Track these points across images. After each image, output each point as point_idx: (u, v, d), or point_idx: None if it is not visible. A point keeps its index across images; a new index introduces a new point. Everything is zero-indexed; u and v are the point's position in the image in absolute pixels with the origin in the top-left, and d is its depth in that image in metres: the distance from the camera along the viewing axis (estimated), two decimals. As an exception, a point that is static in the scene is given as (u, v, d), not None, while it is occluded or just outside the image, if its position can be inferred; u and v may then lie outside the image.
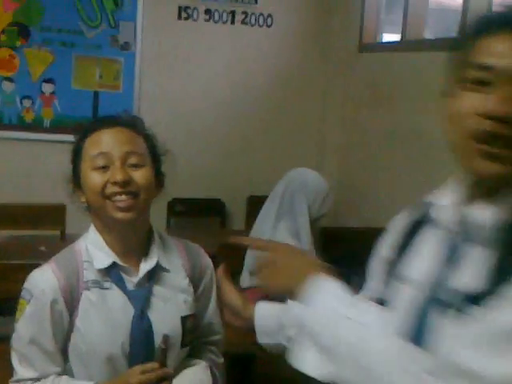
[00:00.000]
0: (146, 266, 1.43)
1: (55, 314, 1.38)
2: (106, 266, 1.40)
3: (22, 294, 1.41)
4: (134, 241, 1.44)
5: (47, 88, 4.26)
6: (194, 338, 1.51)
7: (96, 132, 1.42)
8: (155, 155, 1.48)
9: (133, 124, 1.47)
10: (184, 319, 1.45)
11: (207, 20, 4.50)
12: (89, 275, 1.40)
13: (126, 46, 4.36)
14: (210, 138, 4.53)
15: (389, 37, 4.42)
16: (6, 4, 4.14)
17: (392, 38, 4.27)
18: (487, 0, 3.11)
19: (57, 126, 4.28)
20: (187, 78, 4.50)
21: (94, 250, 1.42)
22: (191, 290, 1.50)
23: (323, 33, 4.62)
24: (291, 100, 4.65)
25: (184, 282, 1.49)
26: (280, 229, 2.60)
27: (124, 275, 1.41)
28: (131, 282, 1.41)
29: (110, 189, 1.37)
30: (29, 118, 4.26)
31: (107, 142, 1.40)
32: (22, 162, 4.25)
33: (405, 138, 3.66)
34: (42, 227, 3.66)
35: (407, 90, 3.65)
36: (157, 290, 1.44)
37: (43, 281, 1.39)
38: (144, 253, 1.45)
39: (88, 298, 1.38)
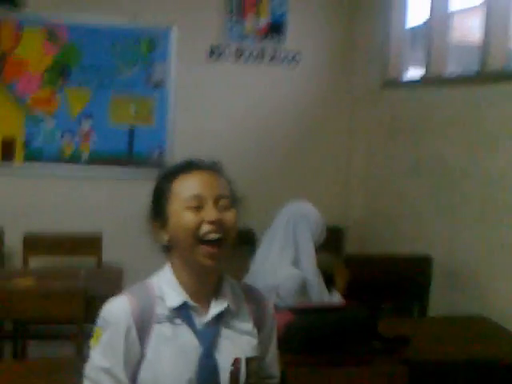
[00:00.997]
0: (216, 308, 1.48)
1: (128, 342, 1.41)
2: (177, 304, 1.44)
3: (98, 322, 1.45)
4: (207, 282, 1.49)
5: (85, 124, 4.48)
6: (257, 380, 1.51)
7: (185, 174, 1.47)
8: (235, 200, 1.53)
9: (216, 168, 1.52)
10: (248, 361, 1.47)
11: (237, 59, 4.68)
12: (160, 310, 1.44)
13: (159, 84, 4.57)
14: (240, 171, 4.65)
15: (412, 72, 4.55)
16: (47, 47, 4.40)
17: (415, 72, 4.40)
18: (505, 35, 3.24)
19: (94, 160, 4.49)
20: (217, 113, 4.68)
21: (167, 288, 1.47)
22: (255, 333, 1.54)
23: (348, 69, 4.79)
24: (318, 136, 4.81)
25: (249, 325, 1.53)
26: (284, 258, 2.75)
27: (194, 314, 1.46)
28: (200, 321, 1.46)
29: (205, 228, 1.41)
30: (68, 152, 4.48)
31: (199, 185, 1.45)
32: (63, 195, 4.45)
33: (427, 169, 3.77)
34: (79, 254, 3.83)
35: (429, 123, 3.77)
36: (224, 331, 1.48)
37: (119, 309, 1.43)
38: (214, 294, 1.49)
39: (160, 330, 1.42)
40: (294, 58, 4.74)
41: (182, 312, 1.45)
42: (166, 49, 4.55)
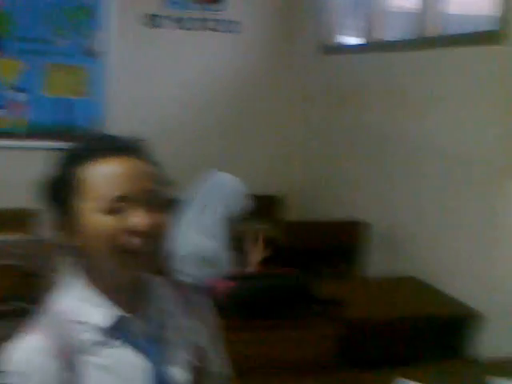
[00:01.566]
0: (151, 313, 1.18)
1: None
2: (109, 323, 1.12)
3: (7, 379, 1.07)
4: (133, 288, 1.17)
5: (20, 97, 4.36)
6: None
7: (102, 161, 1.09)
8: (166, 191, 1.19)
9: (143, 151, 1.15)
10: (195, 363, 1.26)
11: (177, 27, 4.63)
12: (86, 336, 1.10)
13: (97, 54, 4.48)
14: (180, 142, 4.66)
15: (353, 38, 4.59)
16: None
17: (356, 39, 4.43)
18: (441, 2, 3.29)
19: (31, 133, 4.39)
20: (157, 84, 4.62)
21: (86, 307, 1.12)
22: (197, 329, 1.29)
23: (288, 36, 4.79)
24: (257, 104, 4.81)
25: (189, 322, 1.27)
26: (194, 226, 2.77)
27: (130, 329, 1.14)
28: (139, 335, 1.15)
29: (128, 237, 1.08)
30: (3, 126, 4.37)
31: (124, 180, 1.09)
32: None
33: (365, 136, 3.83)
34: (17, 231, 3.75)
35: (369, 89, 3.82)
36: (168, 338, 1.20)
37: (33, 353, 1.08)
38: (144, 299, 1.19)
39: (93, 362, 1.10)
40: (234, 25, 4.71)
41: (115, 330, 1.12)
42: (103, 18, 4.45)
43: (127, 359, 1.13)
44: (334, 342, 2.30)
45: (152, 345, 1.16)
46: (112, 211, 1.07)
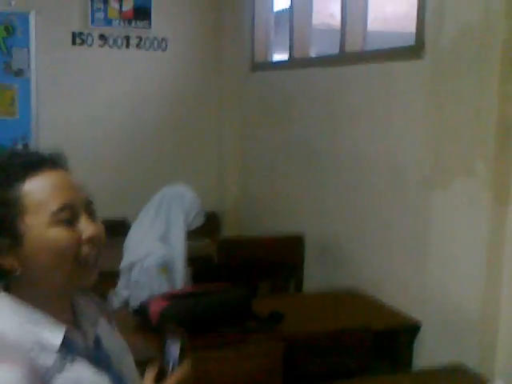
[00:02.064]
0: (90, 327, 1.17)
1: None
2: (61, 339, 1.07)
3: None
4: (68, 303, 1.16)
5: None
6: None
7: (39, 175, 1.07)
8: None
9: (63, 163, 1.14)
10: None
11: (102, 45, 4.55)
12: (47, 359, 1.04)
13: (19, 73, 4.35)
14: (110, 160, 4.57)
15: (280, 55, 4.65)
16: None
17: (283, 55, 4.50)
18: (362, 19, 3.39)
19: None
20: (83, 103, 4.53)
21: (35, 327, 1.06)
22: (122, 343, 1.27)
23: (217, 54, 4.79)
24: (189, 120, 4.78)
25: (117, 334, 1.26)
26: (151, 235, 2.74)
27: (75, 340, 1.11)
28: (82, 346, 1.12)
29: (85, 248, 1.07)
30: None
31: (66, 189, 1.08)
32: None
33: (296, 150, 3.87)
34: None
35: (297, 104, 3.86)
36: (109, 351, 1.19)
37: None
38: (75, 314, 1.17)
39: (62, 381, 1.05)
40: (161, 42, 4.68)
41: (68, 347, 1.08)
42: (25, 35, 4.32)
43: (88, 371, 1.09)
44: (275, 358, 2.28)
45: (103, 356, 1.15)
46: (60, 222, 1.05)
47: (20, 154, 1.12)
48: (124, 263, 2.81)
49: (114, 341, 1.23)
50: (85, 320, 1.17)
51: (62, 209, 1.06)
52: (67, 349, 1.07)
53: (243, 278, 3.10)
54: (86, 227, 1.07)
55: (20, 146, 4.35)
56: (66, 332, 1.08)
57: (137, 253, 2.76)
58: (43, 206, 1.05)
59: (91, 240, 1.07)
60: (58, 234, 1.05)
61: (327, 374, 2.39)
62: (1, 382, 0.99)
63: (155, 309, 2.50)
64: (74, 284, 1.10)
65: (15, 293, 1.08)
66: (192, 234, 2.87)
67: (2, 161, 1.10)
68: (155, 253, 2.72)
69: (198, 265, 3.02)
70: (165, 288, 2.68)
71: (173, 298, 2.54)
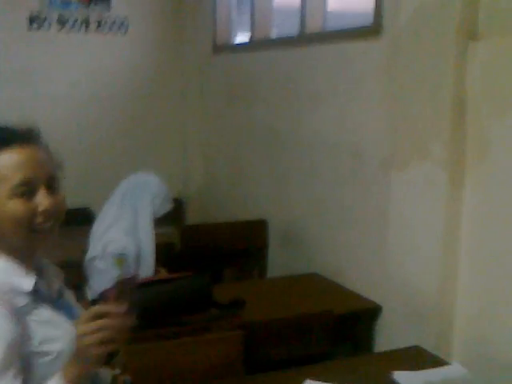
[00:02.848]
0: (54, 281, 1.37)
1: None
2: (32, 286, 1.26)
3: None
4: (32, 260, 1.33)
5: None
6: None
7: (6, 150, 1.24)
8: (59, 173, 1.34)
9: (38, 138, 1.32)
10: None
11: (61, 27, 4.44)
12: (19, 301, 1.23)
13: (-24, 57, 4.23)
14: (73, 147, 4.47)
15: (242, 37, 4.58)
16: None
17: (245, 37, 4.43)
18: (322, 1, 3.34)
19: None
20: (43, 87, 4.42)
21: (10, 275, 1.25)
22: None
23: (178, 36, 4.71)
24: (151, 103, 4.71)
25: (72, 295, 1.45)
26: (116, 227, 2.70)
27: (41, 287, 1.30)
28: (47, 295, 1.31)
29: (39, 218, 1.23)
30: None
31: (28, 165, 1.24)
32: None
33: (259, 134, 3.83)
34: None
35: (258, 87, 3.82)
36: (66, 298, 1.39)
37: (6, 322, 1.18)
38: (40, 267, 1.35)
39: (34, 321, 1.24)
40: (121, 24, 4.58)
41: (38, 293, 1.27)
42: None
43: (56, 316, 1.29)
44: (235, 345, 2.26)
45: (67, 308, 1.34)
46: (18, 195, 1.22)
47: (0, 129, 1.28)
48: (88, 256, 2.75)
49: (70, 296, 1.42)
50: (48, 275, 1.35)
51: (20, 184, 1.22)
52: (36, 294, 1.26)
53: (207, 265, 3.08)
54: (43, 200, 1.23)
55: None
56: (36, 280, 1.27)
57: (99, 244, 2.70)
58: (5, 180, 1.22)
59: (46, 212, 1.23)
60: (15, 205, 1.21)
61: (289, 360, 2.38)
62: None
63: (113, 299, 2.46)
64: (32, 246, 1.27)
65: None
66: (156, 222, 2.83)
67: None
68: (114, 243, 2.67)
69: (160, 252, 2.98)
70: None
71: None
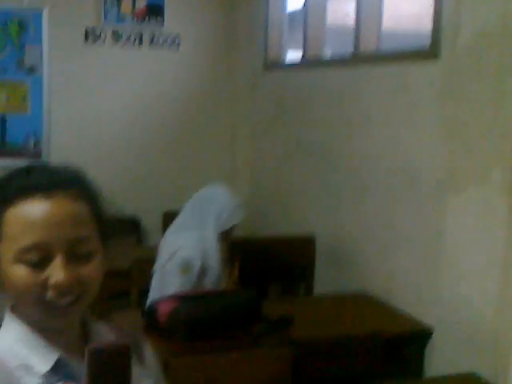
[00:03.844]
0: None
1: None
2: (51, 366, 1.02)
3: None
4: (70, 331, 1.08)
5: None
6: None
7: (23, 202, 0.98)
8: (101, 222, 1.07)
9: (75, 183, 1.03)
10: None
11: (114, 43, 4.54)
12: (31, 382, 1.01)
13: (32, 69, 4.34)
14: (122, 158, 4.56)
15: (293, 55, 4.61)
16: None
17: (296, 55, 4.46)
18: (377, 19, 3.34)
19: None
20: (96, 100, 4.51)
21: (27, 349, 1.03)
22: (145, 374, 1.16)
23: (230, 53, 4.76)
24: (202, 120, 4.75)
25: (135, 368, 1.08)
26: (185, 236, 2.73)
27: (74, 370, 1.04)
28: (80, 375, 1.02)
29: (50, 293, 0.97)
30: None
31: (43, 225, 0.97)
32: None
33: (310, 151, 3.83)
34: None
35: (311, 105, 3.83)
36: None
37: None
38: (84, 341, 1.09)
39: None
40: (174, 41, 4.65)
41: (58, 373, 1.03)
42: (38, 32, 4.31)
43: None
44: (284, 362, 2.25)
45: None
46: (25, 262, 0.96)
47: (20, 174, 1.04)
48: (158, 263, 2.79)
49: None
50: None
51: (29, 248, 0.96)
52: (57, 373, 1.02)
53: (253, 280, 3.08)
54: (55, 273, 0.96)
55: (31, 143, 4.35)
56: (59, 359, 1.03)
57: (167, 252, 2.73)
58: (14, 239, 0.97)
59: (58, 287, 0.96)
60: (20, 272, 0.96)
61: (336, 380, 2.36)
62: None
63: (164, 310, 2.49)
64: (49, 322, 1.01)
65: (15, 311, 1.05)
66: (224, 234, 2.83)
67: (5, 178, 1.04)
68: (181, 251, 2.69)
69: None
70: (184, 288, 2.66)
71: (182, 299, 2.52)
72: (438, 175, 2.62)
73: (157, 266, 2.77)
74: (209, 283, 2.74)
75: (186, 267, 2.68)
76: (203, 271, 2.72)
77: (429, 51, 2.72)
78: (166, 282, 2.68)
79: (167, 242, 2.79)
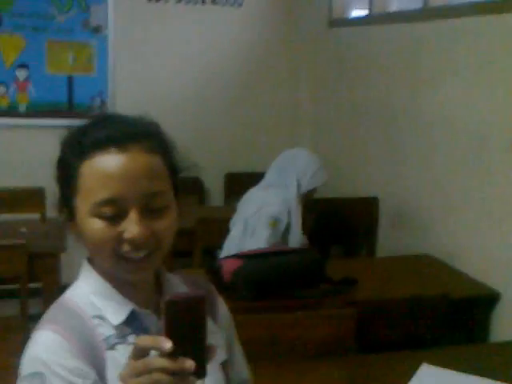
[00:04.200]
0: None
1: None
2: (124, 318, 1.05)
3: (27, 379, 0.98)
4: (144, 284, 1.10)
5: (21, 74, 4.28)
6: None
7: (99, 155, 0.99)
8: (175, 176, 1.08)
9: (150, 137, 1.03)
10: (223, 365, 1.16)
11: (178, 1, 4.53)
12: (105, 331, 1.04)
13: (97, 29, 4.39)
14: (184, 117, 4.59)
15: (358, 11, 4.49)
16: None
17: (361, 12, 4.34)
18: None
19: (32, 111, 4.31)
20: (159, 59, 4.53)
21: (103, 301, 1.06)
22: (216, 328, 1.19)
23: (293, 10, 4.68)
24: (263, 77, 4.72)
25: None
26: (272, 193, 2.79)
27: (147, 324, 1.06)
28: (155, 328, 1.05)
29: (124, 247, 0.99)
30: (3, 104, 4.29)
31: (119, 179, 0.97)
32: (1, 148, 4.28)
33: (374, 110, 3.75)
34: (21, 210, 3.71)
35: (376, 62, 3.73)
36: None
37: (52, 352, 0.98)
38: (157, 293, 1.11)
39: (114, 359, 1.02)
40: (236, -2, 4.60)
41: (132, 325, 1.05)
42: (102, -9, 4.35)
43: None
44: (349, 322, 2.26)
45: None
46: (100, 215, 0.98)
47: (96, 126, 1.03)
48: (236, 218, 2.87)
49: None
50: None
51: (105, 202, 0.97)
52: (129, 328, 1.05)
53: (316, 240, 3.08)
54: (130, 227, 0.97)
55: (97, 103, 4.42)
56: (130, 313, 1.05)
57: (254, 206, 2.80)
58: (89, 193, 0.99)
59: (132, 241, 0.98)
60: (95, 226, 0.98)
61: (399, 342, 2.35)
62: (39, 344, 1.00)
63: (228, 268, 2.52)
64: (122, 274, 1.03)
65: (92, 263, 1.09)
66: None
67: (78, 129, 1.04)
68: (269, 207, 2.76)
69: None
70: (270, 241, 2.72)
71: (247, 257, 2.55)
72: (507, 134, 2.52)
73: (237, 219, 2.83)
74: (291, 241, 2.79)
75: (274, 221, 2.75)
76: (287, 229, 2.77)
77: (505, 2, 2.59)
78: (251, 234, 2.75)
79: (254, 197, 2.85)
